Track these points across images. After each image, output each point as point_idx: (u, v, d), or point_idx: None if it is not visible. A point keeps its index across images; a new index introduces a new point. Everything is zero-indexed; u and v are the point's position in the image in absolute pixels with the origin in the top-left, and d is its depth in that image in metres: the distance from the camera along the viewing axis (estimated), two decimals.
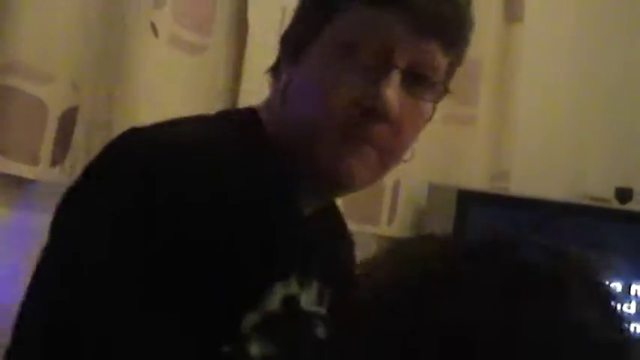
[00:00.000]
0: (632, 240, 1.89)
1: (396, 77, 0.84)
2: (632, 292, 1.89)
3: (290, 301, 0.81)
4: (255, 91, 1.84)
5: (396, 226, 2.01)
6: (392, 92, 0.84)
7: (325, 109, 0.76)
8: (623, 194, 2.02)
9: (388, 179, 1.99)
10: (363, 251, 1.97)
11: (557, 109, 2.17)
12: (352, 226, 1.96)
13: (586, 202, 2.01)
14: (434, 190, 1.96)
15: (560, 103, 2.17)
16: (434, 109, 0.93)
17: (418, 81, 0.87)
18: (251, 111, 0.90)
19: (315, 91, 0.78)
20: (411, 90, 0.86)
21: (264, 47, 1.86)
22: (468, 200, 1.93)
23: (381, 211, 1.99)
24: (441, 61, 0.88)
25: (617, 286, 1.90)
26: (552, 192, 2.02)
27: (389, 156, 0.88)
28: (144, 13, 1.49)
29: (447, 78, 0.92)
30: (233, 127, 0.85)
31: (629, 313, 1.87)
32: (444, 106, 2.00)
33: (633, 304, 1.88)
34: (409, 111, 0.87)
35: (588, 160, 2.14)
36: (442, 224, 1.91)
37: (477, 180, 2.05)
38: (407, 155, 0.92)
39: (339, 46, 0.84)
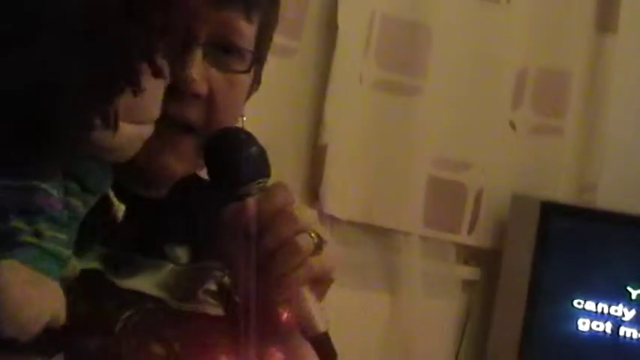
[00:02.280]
0: None
1: (197, 52, 0.80)
2: None
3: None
4: (343, 93, 1.88)
5: (476, 236, 2.00)
6: (194, 69, 0.80)
7: None
8: None
9: (471, 187, 1.98)
10: (442, 259, 1.98)
11: None
12: (432, 232, 1.98)
13: None
14: (517, 200, 1.94)
15: None
16: (257, 81, 0.90)
17: (225, 52, 0.84)
18: None
19: None
20: (219, 62, 0.83)
21: (352, 50, 1.88)
22: (551, 213, 1.90)
23: (462, 219, 1.98)
24: (245, 27, 0.84)
25: None
26: None
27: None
28: None
29: (259, 46, 0.87)
30: None
31: None
32: (531, 116, 2.03)
33: None
34: (221, 85, 0.83)
35: None
36: (525, 236, 1.89)
37: (562, 192, 2.02)
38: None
39: None
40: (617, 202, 1.98)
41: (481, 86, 1.98)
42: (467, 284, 2.02)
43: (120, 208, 0.75)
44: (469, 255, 2.03)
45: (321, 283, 0.76)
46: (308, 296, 0.75)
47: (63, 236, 0.65)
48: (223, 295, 0.87)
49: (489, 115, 2.00)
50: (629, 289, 1.87)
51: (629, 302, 1.87)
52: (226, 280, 0.87)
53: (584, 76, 2.05)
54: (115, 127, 0.67)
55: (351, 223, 1.90)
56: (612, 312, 1.87)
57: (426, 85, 1.92)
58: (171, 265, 0.85)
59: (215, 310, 0.86)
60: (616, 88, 2.06)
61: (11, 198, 0.63)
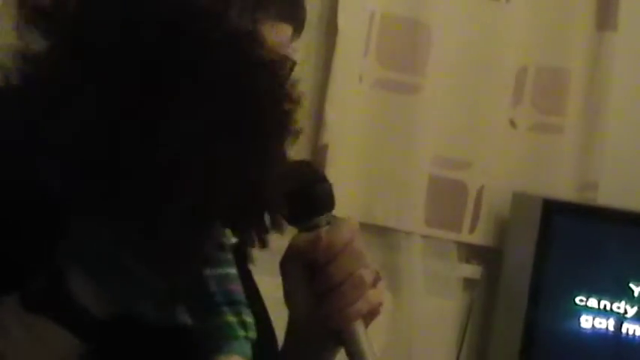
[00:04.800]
0: None
1: None
2: None
3: None
4: (343, 92, 1.88)
5: (478, 234, 2.00)
6: None
7: None
8: None
9: (472, 186, 1.98)
10: (443, 258, 1.98)
11: None
12: (433, 231, 1.98)
13: None
14: (518, 198, 1.93)
15: None
16: None
17: None
18: None
19: None
20: None
21: (352, 50, 1.88)
22: (553, 210, 1.90)
23: (464, 218, 1.98)
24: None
25: None
26: None
27: None
28: None
29: None
30: None
31: None
32: (531, 114, 2.03)
33: None
34: None
35: None
36: (526, 234, 1.89)
37: (563, 190, 2.02)
38: None
39: None
40: (618, 200, 1.97)
41: (481, 84, 1.98)
42: (468, 283, 2.02)
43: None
44: (470, 253, 2.03)
45: (370, 316, 0.79)
46: (361, 329, 0.77)
47: (252, 319, 0.70)
48: None
49: (489, 114, 2.00)
50: (631, 286, 1.87)
51: (632, 299, 1.87)
52: None
53: (584, 74, 2.05)
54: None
55: None
56: (615, 309, 1.87)
57: (425, 83, 1.92)
58: None
59: None
60: (616, 86, 2.06)
61: (219, 288, 0.69)
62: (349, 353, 0.77)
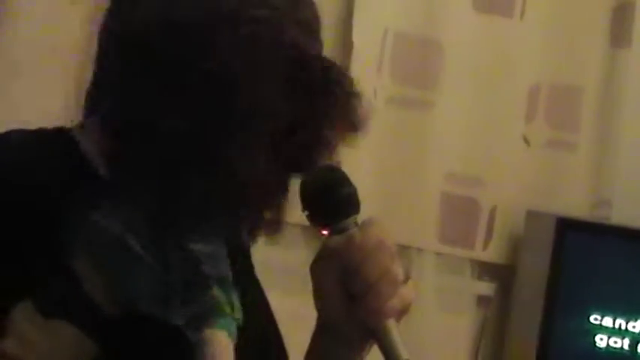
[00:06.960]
0: None
1: None
2: None
3: None
4: None
5: (491, 252, 1.99)
6: None
7: None
8: None
9: (485, 203, 1.97)
10: (457, 274, 1.97)
11: None
12: (446, 248, 1.98)
13: None
14: (532, 216, 1.93)
15: None
16: None
17: None
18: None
19: None
20: None
21: (366, 66, 1.89)
22: (567, 228, 1.89)
23: (477, 235, 1.98)
24: None
25: None
26: None
27: None
28: None
29: None
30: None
31: None
32: (544, 131, 2.03)
33: None
34: None
35: None
36: (539, 252, 1.88)
37: (577, 207, 2.01)
38: None
39: None
40: (632, 217, 1.97)
41: (494, 101, 1.98)
42: (482, 300, 2.01)
43: None
44: (484, 270, 2.02)
45: (402, 314, 0.80)
46: (393, 325, 0.78)
47: (238, 302, 0.72)
48: None
49: (503, 130, 1.99)
50: None
51: None
52: None
53: (597, 91, 2.05)
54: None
55: None
56: (630, 328, 1.86)
57: (439, 100, 1.92)
58: None
59: None
60: (630, 102, 2.05)
61: (209, 265, 0.72)
62: (384, 350, 0.78)
